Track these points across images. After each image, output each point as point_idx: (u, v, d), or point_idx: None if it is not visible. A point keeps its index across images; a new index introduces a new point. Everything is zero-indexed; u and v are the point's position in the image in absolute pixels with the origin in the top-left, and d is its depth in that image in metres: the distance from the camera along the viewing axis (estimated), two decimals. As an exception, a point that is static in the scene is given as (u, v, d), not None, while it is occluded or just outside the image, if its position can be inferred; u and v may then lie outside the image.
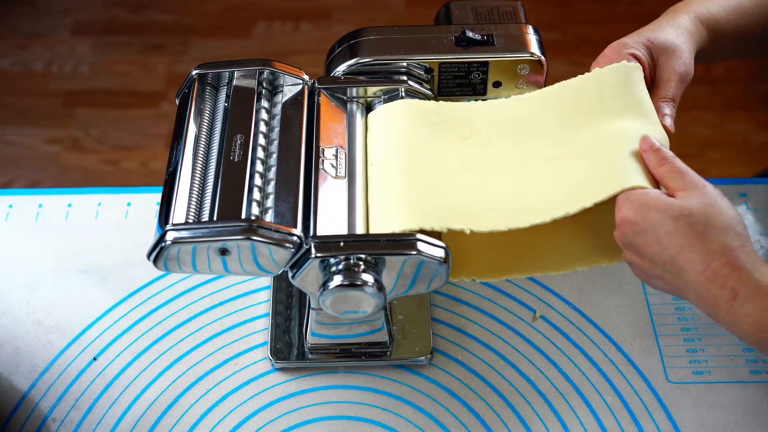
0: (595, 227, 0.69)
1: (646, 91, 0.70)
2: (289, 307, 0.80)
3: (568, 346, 0.78)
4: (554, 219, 0.62)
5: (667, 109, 0.69)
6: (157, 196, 0.90)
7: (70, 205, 0.89)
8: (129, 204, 0.89)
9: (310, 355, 0.76)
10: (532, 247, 0.70)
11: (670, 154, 0.63)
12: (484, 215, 0.64)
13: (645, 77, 0.71)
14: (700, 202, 0.59)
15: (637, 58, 0.71)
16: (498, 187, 0.66)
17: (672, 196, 0.61)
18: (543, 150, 0.68)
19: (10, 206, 0.89)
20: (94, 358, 0.78)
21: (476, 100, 0.74)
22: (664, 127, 0.68)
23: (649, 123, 0.67)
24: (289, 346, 0.77)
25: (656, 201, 0.60)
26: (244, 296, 0.82)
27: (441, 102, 0.73)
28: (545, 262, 0.70)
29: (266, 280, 0.83)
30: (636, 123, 0.67)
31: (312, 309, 0.71)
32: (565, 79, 0.72)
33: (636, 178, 0.62)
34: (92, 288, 0.82)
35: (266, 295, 0.82)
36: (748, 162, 1.82)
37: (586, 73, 0.71)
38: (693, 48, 0.72)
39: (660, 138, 0.66)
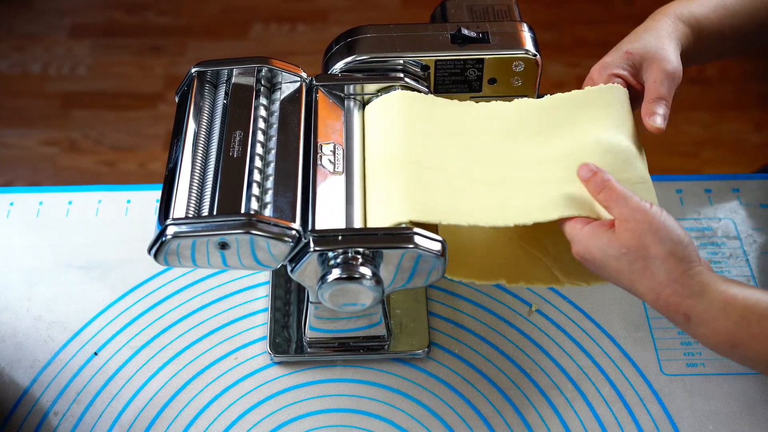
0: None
1: (630, 111, 0.70)
2: (287, 302, 0.81)
3: (564, 340, 0.79)
4: (536, 222, 0.63)
5: (659, 109, 0.68)
6: (156, 194, 0.90)
7: (70, 203, 0.90)
8: (129, 201, 0.90)
9: (308, 349, 0.77)
10: (524, 254, 0.71)
11: (608, 177, 0.62)
12: (472, 211, 0.64)
13: (632, 87, 0.71)
14: (635, 234, 0.59)
15: (619, 76, 0.71)
16: (488, 184, 0.67)
17: (613, 224, 0.61)
18: (535, 154, 0.69)
19: (11, 204, 0.90)
20: (95, 353, 0.79)
21: (473, 99, 0.75)
22: (654, 128, 0.68)
23: (626, 140, 0.68)
24: (287, 340, 0.78)
25: (595, 238, 0.60)
26: (243, 292, 0.83)
27: (437, 97, 0.73)
28: (534, 273, 0.70)
29: (265, 276, 0.84)
30: (613, 140, 0.68)
31: (311, 303, 0.72)
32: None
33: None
34: (93, 284, 0.83)
35: (265, 291, 0.83)
36: (742, 161, 1.83)
37: (575, 91, 0.72)
38: (677, 47, 0.72)
39: (636, 156, 0.67)
